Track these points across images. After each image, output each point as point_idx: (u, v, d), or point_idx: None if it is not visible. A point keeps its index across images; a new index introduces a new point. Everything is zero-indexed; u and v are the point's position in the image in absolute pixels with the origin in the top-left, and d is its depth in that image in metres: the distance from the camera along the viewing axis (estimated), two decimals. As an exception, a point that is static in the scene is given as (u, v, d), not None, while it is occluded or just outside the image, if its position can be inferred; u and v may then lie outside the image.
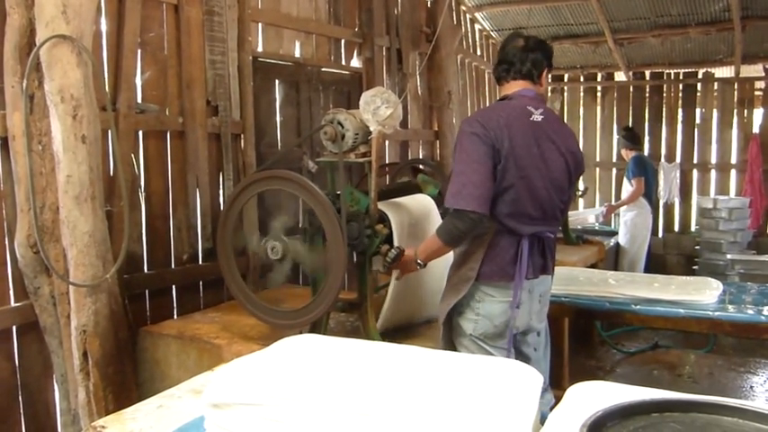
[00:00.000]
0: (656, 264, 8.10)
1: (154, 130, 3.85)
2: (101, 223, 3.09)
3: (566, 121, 9.25)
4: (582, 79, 9.37)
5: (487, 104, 8.17)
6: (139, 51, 3.74)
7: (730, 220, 7.87)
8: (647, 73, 8.99)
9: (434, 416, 1.54)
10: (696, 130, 8.81)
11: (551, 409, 1.80)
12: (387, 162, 5.45)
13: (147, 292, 3.84)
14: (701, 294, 3.94)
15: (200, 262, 4.13)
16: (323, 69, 5.21)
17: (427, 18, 6.60)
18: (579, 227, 7.26)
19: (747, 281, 6.09)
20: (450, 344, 2.98)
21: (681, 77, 8.83)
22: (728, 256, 7.44)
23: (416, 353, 1.99)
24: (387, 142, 5.84)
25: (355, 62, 5.67)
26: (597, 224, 7.87)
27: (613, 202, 7.83)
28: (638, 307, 3.90)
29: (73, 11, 2.89)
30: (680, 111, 8.87)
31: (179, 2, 3.92)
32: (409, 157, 6.33)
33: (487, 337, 2.90)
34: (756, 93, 8.56)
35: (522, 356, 3.03)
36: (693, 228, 8.82)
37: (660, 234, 8.88)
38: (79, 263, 3.00)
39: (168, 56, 3.93)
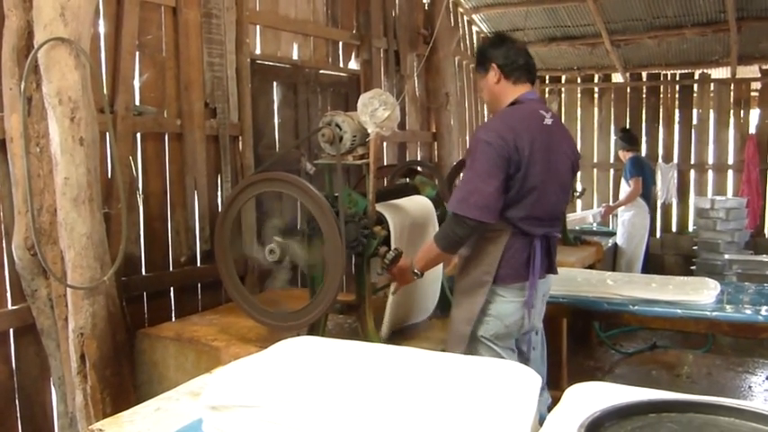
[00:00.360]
0: (653, 264, 8.11)
1: (152, 132, 3.85)
2: (98, 225, 3.09)
3: (563, 122, 9.26)
4: (579, 81, 9.38)
5: (485, 106, 8.16)
6: (137, 53, 3.74)
7: (727, 221, 7.88)
8: (644, 74, 9.00)
9: (433, 418, 1.54)
10: (693, 130, 8.83)
11: (548, 408, 1.81)
12: (385, 164, 5.45)
13: (144, 294, 3.84)
14: (698, 294, 3.95)
15: (198, 264, 4.13)
16: (321, 71, 5.22)
17: (425, 20, 6.60)
18: (577, 227, 7.27)
19: (745, 281, 6.10)
20: (461, 347, 2.96)
21: (677, 78, 8.85)
22: (726, 256, 7.44)
23: (415, 354, 1.99)
24: (385, 144, 5.84)
25: (353, 64, 5.67)
26: (595, 225, 7.88)
27: (611, 203, 7.85)
28: (636, 307, 3.91)
29: (71, 13, 2.89)
30: (677, 111, 8.89)
31: (177, 4, 3.92)
32: (407, 159, 6.34)
33: (498, 338, 2.92)
34: (753, 93, 8.58)
35: (521, 356, 3.05)
36: (691, 228, 8.83)
37: (658, 234, 8.89)
38: (77, 265, 3.00)
39: (166, 58, 3.93)
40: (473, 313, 2.89)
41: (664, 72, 8.86)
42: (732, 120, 8.61)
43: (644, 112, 9.04)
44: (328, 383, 1.72)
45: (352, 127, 3.05)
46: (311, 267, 3.16)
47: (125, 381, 3.25)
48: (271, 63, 4.74)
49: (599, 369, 5.62)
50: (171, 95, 3.95)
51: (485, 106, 8.16)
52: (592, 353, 6.01)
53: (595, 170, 9.33)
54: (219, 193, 4.27)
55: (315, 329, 3.12)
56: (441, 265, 3.40)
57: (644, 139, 8.93)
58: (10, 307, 3.20)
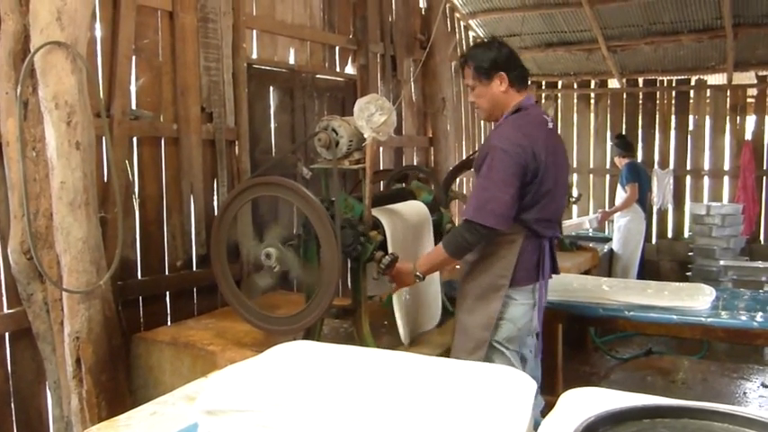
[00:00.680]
0: (649, 270, 8.11)
1: (148, 136, 3.85)
2: (95, 229, 3.09)
3: (560, 128, 9.29)
4: (575, 86, 9.39)
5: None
6: (134, 58, 3.75)
7: (723, 227, 7.89)
8: (641, 80, 9.01)
9: (427, 423, 1.54)
10: (689, 136, 8.83)
11: (542, 413, 1.81)
12: (381, 168, 5.45)
13: (140, 298, 3.84)
14: (693, 301, 3.95)
15: (194, 268, 4.13)
16: (317, 76, 5.22)
17: (421, 25, 6.61)
18: (573, 233, 7.28)
19: (740, 287, 6.12)
20: (479, 353, 2.96)
21: (674, 84, 8.86)
22: (721, 263, 7.45)
23: (410, 359, 1.99)
24: (381, 149, 5.85)
25: (350, 69, 5.68)
26: (591, 230, 7.89)
27: (607, 209, 7.86)
28: (631, 313, 3.91)
29: (68, 17, 2.89)
30: (673, 117, 8.89)
31: (174, 9, 3.92)
32: (403, 164, 6.34)
33: (510, 342, 2.96)
34: (749, 100, 8.60)
35: (522, 360, 3.07)
36: (686, 234, 8.83)
37: (653, 240, 8.89)
38: (73, 269, 2.99)
39: (163, 62, 3.93)
40: (491, 318, 2.92)
41: (660, 78, 8.87)
42: (728, 126, 8.62)
43: (640, 117, 9.04)
44: (324, 388, 1.72)
45: (348, 132, 3.06)
46: (307, 272, 3.17)
47: (121, 385, 3.25)
48: (267, 68, 4.75)
49: (594, 374, 5.62)
50: (167, 100, 3.95)
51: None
52: (587, 358, 6.00)
53: (591, 176, 9.33)
54: (215, 198, 4.26)
55: (310, 334, 3.12)
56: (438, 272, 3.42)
57: (640, 144, 8.93)
58: (6, 311, 3.20)
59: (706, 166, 8.80)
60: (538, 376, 3.09)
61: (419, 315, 3.41)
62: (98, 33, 3.53)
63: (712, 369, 5.67)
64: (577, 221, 7.73)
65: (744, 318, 3.73)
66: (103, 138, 3.30)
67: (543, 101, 9.27)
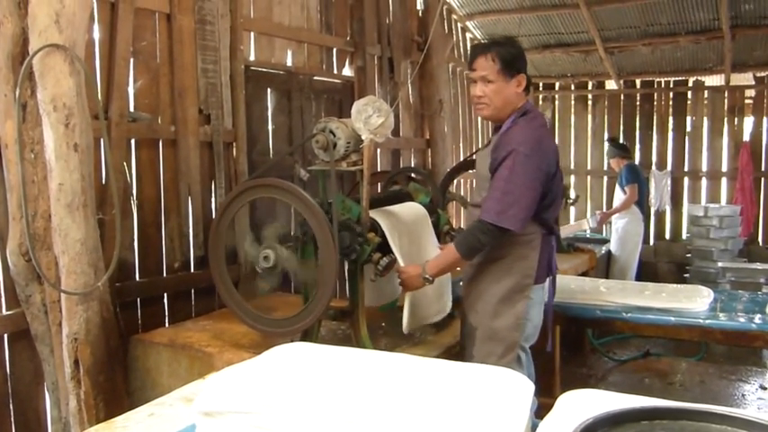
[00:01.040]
0: (647, 271, 8.13)
1: (146, 138, 3.85)
2: (93, 231, 3.09)
3: (557, 129, 9.33)
4: (573, 88, 9.41)
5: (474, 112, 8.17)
6: (132, 60, 3.74)
7: (721, 228, 7.90)
8: (638, 81, 9.04)
9: (425, 425, 1.55)
10: (687, 138, 8.86)
11: (536, 413, 1.82)
12: (378, 170, 5.46)
13: (138, 299, 3.83)
14: (691, 302, 3.95)
15: (192, 270, 4.13)
16: (315, 78, 5.22)
17: (419, 27, 6.62)
18: (571, 235, 7.28)
19: (738, 289, 6.12)
20: (510, 354, 2.98)
21: (671, 86, 8.89)
22: (719, 264, 7.47)
23: (408, 361, 1.99)
24: (378, 151, 5.85)
25: (347, 71, 5.68)
26: (588, 232, 7.90)
27: (605, 210, 7.87)
28: (629, 315, 3.91)
29: (66, 20, 2.89)
30: (670, 119, 8.92)
31: (171, 11, 3.92)
32: (401, 166, 6.34)
33: (527, 340, 3.02)
34: (746, 101, 8.62)
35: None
36: (684, 235, 8.85)
37: (651, 242, 8.91)
38: (71, 271, 2.99)
39: (160, 64, 3.93)
40: (519, 319, 2.96)
41: (657, 79, 8.90)
42: (726, 127, 8.64)
43: (638, 119, 9.06)
44: (321, 390, 1.72)
45: (345, 133, 3.06)
46: (305, 273, 3.16)
47: (118, 386, 3.24)
48: (265, 70, 4.75)
49: (592, 376, 5.63)
50: (165, 102, 3.95)
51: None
52: (585, 360, 6.01)
53: (589, 177, 9.35)
54: (213, 200, 4.26)
55: (308, 336, 3.12)
56: None
57: (638, 146, 8.96)
58: (4, 312, 3.20)
59: (704, 168, 8.83)
60: (532, 373, 3.10)
61: (427, 306, 3.38)
62: (96, 36, 3.53)
63: (710, 371, 5.68)
64: (576, 224, 7.72)
65: (742, 319, 3.73)
66: (101, 140, 3.30)
67: (540, 102, 9.28)
